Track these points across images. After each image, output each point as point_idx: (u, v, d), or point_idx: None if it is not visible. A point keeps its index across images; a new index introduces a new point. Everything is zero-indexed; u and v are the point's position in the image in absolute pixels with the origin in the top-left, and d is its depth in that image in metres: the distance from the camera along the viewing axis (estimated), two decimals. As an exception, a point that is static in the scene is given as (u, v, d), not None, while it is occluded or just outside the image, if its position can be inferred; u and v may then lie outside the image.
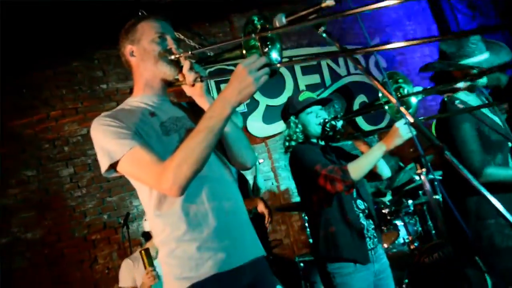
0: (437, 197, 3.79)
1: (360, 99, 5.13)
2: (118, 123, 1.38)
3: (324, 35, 1.26)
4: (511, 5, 5.68)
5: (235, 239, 1.43)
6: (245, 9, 4.92)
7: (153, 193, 1.40)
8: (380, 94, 2.02)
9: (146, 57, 1.52)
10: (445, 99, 1.69)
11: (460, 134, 1.99)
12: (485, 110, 2.06)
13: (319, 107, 2.36)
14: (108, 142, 1.35)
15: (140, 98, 1.55)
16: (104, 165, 1.37)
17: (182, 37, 4.40)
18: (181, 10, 4.39)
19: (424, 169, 1.13)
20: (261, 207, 3.13)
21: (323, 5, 1.23)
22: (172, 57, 1.49)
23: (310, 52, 5.06)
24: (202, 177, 1.36)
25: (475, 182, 1.11)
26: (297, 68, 5.01)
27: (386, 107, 1.95)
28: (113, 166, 1.37)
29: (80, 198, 4.20)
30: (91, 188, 4.25)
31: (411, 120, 1.14)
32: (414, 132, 1.85)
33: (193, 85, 1.47)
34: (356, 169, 1.98)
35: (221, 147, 1.56)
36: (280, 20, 1.29)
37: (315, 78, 5.07)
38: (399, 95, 1.89)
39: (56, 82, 4.39)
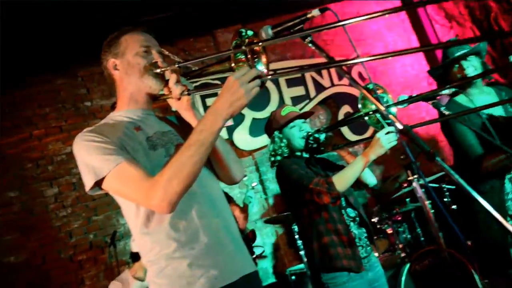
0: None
1: (345, 109, 5.18)
2: (102, 138, 1.34)
3: (310, 44, 1.29)
4: (486, 15, 5.85)
5: (227, 255, 1.40)
6: (229, 24, 4.96)
7: (140, 211, 1.36)
8: (359, 105, 2.05)
9: (131, 71, 1.48)
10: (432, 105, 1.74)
11: (457, 134, 2.05)
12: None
13: (302, 120, 2.40)
14: (93, 159, 1.31)
15: (124, 113, 1.51)
16: (88, 182, 1.32)
17: (166, 52, 4.39)
18: (164, 26, 4.40)
19: (415, 176, 1.13)
20: (236, 212, 3.13)
21: (309, 16, 1.25)
22: (158, 70, 1.46)
23: (295, 64, 5.11)
24: (191, 192, 1.33)
25: (468, 188, 1.13)
26: (282, 81, 5.05)
27: (366, 118, 1.98)
28: (98, 184, 1.33)
29: (65, 218, 4.12)
30: (77, 208, 4.17)
31: (400, 127, 1.15)
32: (395, 143, 1.90)
33: (179, 99, 1.44)
34: (341, 181, 2.01)
35: (208, 161, 1.52)
36: (267, 31, 1.30)
37: (300, 90, 5.11)
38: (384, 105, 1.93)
39: (39, 101, 4.34)
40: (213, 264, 1.36)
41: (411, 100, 1.90)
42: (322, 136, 2.25)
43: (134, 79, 1.49)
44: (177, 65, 1.43)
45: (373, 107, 1.94)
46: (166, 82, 1.46)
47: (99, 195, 1.41)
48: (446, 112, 1.74)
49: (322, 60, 1.21)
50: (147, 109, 1.55)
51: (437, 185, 3.45)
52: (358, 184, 2.29)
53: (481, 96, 2.31)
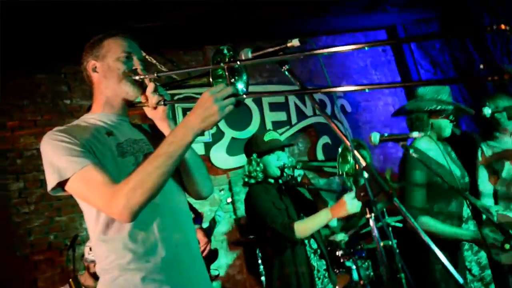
0: (390, 242, 3.85)
1: (324, 140, 5.23)
2: (71, 139, 1.32)
3: (287, 73, 1.32)
4: (470, 64, 6.06)
5: (183, 272, 1.38)
6: (219, 41, 5.00)
7: (100, 217, 1.34)
8: (339, 158, 2.10)
9: (109, 75, 1.48)
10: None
11: (410, 179, 2.10)
12: (441, 158, 2.19)
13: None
14: (59, 159, 1.29)
15: (98, 116, 1.50)
16: (51, 182, 1.30)
17: (154, 61, 4.40)
18: (155, 35, 4.42)
19: (372, 214, 1.14)
20: (199, 235, 3.10)
21: (289, 44, 1.29)
22: (137, 77, 1.46)
23: (280, 89, 5.18)
24: (155, 204, 1.31)
25: (422, 232, 1.15)
26: (265, 104, 5.09)
27: (340, 173, 2.04)
28: (61, 185, 1.30)
29: (27, 215, 3.99)
30: (40, 206, 4.05)
31: (364, 164, 1.18)
32: (358, 209, 2.01)
33: (155, 108, 1.44)
34: (302, 230, 2.11)
35: (177, 174, 1.52)
36: (246, 54, 1.34)
37: (281, 116, 5.15)
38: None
39: (18, 92, 4.24)
40: (167, 280, 1.33)
41: (383, 139, 1.94)
42: (297, 173, 2.33)
43: (111, 84, 1.48)
44: (156, 75, 1.44)
45: (351, 161, 2.01)
46: (144, 90, 1.46)
47: (65, 196, 1.38)
48: (414, 155, 1.78)
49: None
50: (122, 115, 1.54)
51: (400, 225, 3.49)
52: None
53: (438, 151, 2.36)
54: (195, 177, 1.52)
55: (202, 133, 1.28)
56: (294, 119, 5.19)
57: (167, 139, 1.26)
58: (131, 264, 1.31)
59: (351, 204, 2.02)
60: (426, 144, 2.25)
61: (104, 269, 1.35)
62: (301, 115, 5.23)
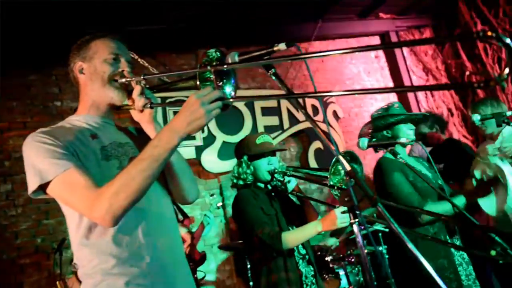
0: (380, 248, 3.85)
1: (316, 145, 5.24)
2: (54, 141, 1.30)
3: (273, 77, 1.31)
4: (462, 71, 6.11)
5: (167, 277, 1.36)
6: (213, 45, 4.98)
7: (83, 221, 1.31)
8: (331, 164, 2.08)
9: (95, 77, 1.45)
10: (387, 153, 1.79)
11: (392, 181, 2.11)
12: (415, 164, 2.21)
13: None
14: (41, 161, 1.26)
15: (83, 118, 1.48)
16: (32, 185, 1.28)
17: (146, 64, 4.39)
18: (147, 38, 4.40)
19: (357, 219, 1.13)
20: (183, 235, 3.07)
21: (275, 48, 1.28)
22: (123, 80, 1.44)
23: (272, 94, 5.16)
24: (139, 208, 1.30)
25: (405, 238, 1.14)
26: (257, 109, 5.09)
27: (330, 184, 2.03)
28: (42, 187, 1.28)
29: (14, 218, 3.94)
30: (28, 208, 4.00)
31: (348, 168, 1.17)
32: (347, 224, 2.01)
33: (142, 111, 1.42)
34: (290, 240, 2.09)
35: (162, 178, 1.51)
36: (233, 57, 1.33)
37: (274, 120, 5.15)
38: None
39: (8, 93, 4.20)
40: (152, 285, 1.31)
41: (371, 145, 1.95)
42: (287, 179, 2.31)
43: (97, 87, 1.46)
44: (142, 77, 1.42)
45: (342, 174, 1.99)
46: (130, 93, 1.44)
47: (53, 198, 1.35)
48: (401, 160, 1.78)
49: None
50: (108, 118, 1.53)
51: (387, 230, 3.49)
52: None
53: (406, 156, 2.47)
54: (181, 182, 1.50)
55: (190, 136, 1.27)
56: (286, 124, 5.19)
57: (152, 142, 1.24)
58: (115, 269, 1.29)
59: (341, 218, 2.01)
60: (400, 150, 2.28)
61: (86, 274, 1.33)
62: (294, 120, 5.24)
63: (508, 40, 0.73)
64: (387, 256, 3.73)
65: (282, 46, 1.29)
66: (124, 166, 1.35)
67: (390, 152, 1.79)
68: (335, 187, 1.84)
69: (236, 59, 1.34)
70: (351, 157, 1.86)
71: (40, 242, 3.98)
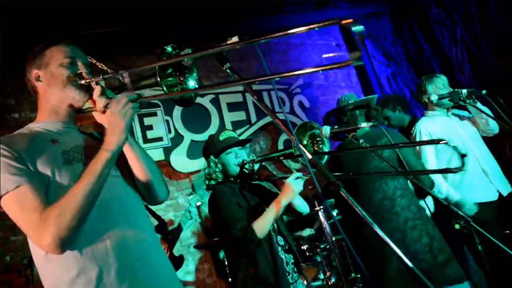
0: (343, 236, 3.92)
1: (285, 136, 5.27)
2: (11, 153, 1.27)
3: (228, 71, 1.33)
4: (421, 54, 6.26)
5: (139, 279, 1.33)
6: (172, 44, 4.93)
7: None
8: (293, 143, 2.11)
9: (53, 82, 1.44)
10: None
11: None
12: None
13: (239, 147, 2.42)
14: None
15: (43, 124, 1.46)
16: None
17: (105, 68, 4.28)
18: (105, 41, 4.30)
19: (321, 207, 1.14)
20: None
21: (228, 42, 1.29)
22: (83, 81, 1.43)
23: (237, 89, 5.16)
24: (108, 212, 1.31)
25: (369, 220, 1.16)
26: (223, 105, 5.07)
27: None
28: None
29: (-21, 237, 3.78)
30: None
31: (309, 157, 1.18)
32: (301, 188, 2.05)
33: (104, 112, 1.40)
34: (260, 228, 2.09)
35: (131, 180, 1.50)
36: (187, 53, 1.34)
37: (240, 115, 5.15)
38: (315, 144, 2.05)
39: (-38, 109, 4.03)
40: None
41: (334, 131, 1.98)
42: (256, 166, 2.33)
43: (56, 91, 1.44)
44: (102, 77, 1.40)
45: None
46: (90, 95, 1.43)
47: None
48: (365, 144, 1.82)
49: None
50: (69, 122, 1.51)
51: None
52: (292, 212, 2.33)
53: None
54: (149, 182, 1.50)
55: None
56: (253, 117, 5.20)
57: (92, 160, 1.31)
58: (81, 278, 1.26)
59: (295, 183, 2.08)
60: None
61: (51, 285, 1.29)
62: (260, 114, 5.24)
63: (357, 28, 0.90)
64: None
65: (235, 39, 1.31)
66: None
67: (352, 138, 1.82)
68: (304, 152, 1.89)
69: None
70: (311, 126, 1.91)
71: (10, 260, 3.84)
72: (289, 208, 2.24)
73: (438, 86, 3.05)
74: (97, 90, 1.38)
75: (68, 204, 1.20)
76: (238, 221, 2.13)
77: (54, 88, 1.44)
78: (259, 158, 2.31)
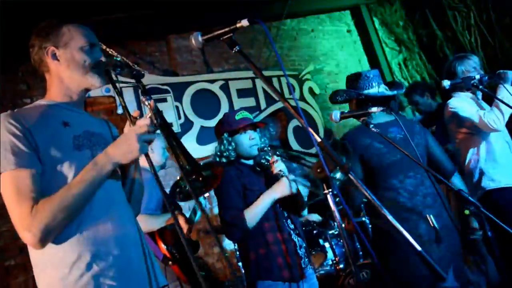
0: (363, 219, 3.92)
1: (294, 123, 5.26)
2: (20, 132, 1.27)
3: (239, 54, 1.32)
4: (433, 40, 6.16)
5: (134, 270, 1.37)
6: (183, 30, 4.92)
7: None
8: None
9: (74, 66, 1.43)
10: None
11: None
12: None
13: (254, 129, 2.40)
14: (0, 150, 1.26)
15: (56, 104, 1.45)
16: None
17: (115, 54, 4.29)
18: (116, 27, 4.30)
19: (330, 190, 1.14)
20: (181, 221, 3.04)
21: (238, 25, 1.29)
22: (104, 68, 1.46)
23: (247, 75, 5.14)
24: (110, 202, 1.36)
25: (378, 202, 1.16)
26: (233, 91, 5.06)
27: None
28: None
29: (-6, 221, 3.86)
30: (6, 211, 3.90)
31: (318, 139, 1.18)
32: (295, 190, 2.12)
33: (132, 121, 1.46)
34: (252, 217, 2.14)
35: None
36: (196, 37, 1.33)
37: (250, 101, 5.14)
38: None
39: (-25, 95, 4.07)
40: (119, 277, 1.32)
41: (344, 116, 1.96)
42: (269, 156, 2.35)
43: (76, 75, 1.44)
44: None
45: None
46: (109, 79, 1.46)
47: None
48: (374, 130, 1.80)
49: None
50: (80, 106, 1.52)
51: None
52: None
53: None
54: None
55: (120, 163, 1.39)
56: (263, 104, 5.19)
57: (88, 166, 1.31)
58: (81, 262, 1.28)
59: (289, 183, 2.17)
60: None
61: (53, 264, 1.29)
62: (270, 100, 5.23)
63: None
64: (370, 226, 3.80)
65: (244, 22, 1.30)
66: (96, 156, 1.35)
67: (363, 122, 1.81)
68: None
69: (199, 38, 1.34)
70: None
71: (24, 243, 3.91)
72: (290, 208, 2.30)
73: (468, 69, 2.84)
74: (149, 113, 1.41)
75: (61, 204, 1.23)
76: (230, 208, 2.16)
77: (73, 72, 1.44)
78: (281, 152, 2.31)
